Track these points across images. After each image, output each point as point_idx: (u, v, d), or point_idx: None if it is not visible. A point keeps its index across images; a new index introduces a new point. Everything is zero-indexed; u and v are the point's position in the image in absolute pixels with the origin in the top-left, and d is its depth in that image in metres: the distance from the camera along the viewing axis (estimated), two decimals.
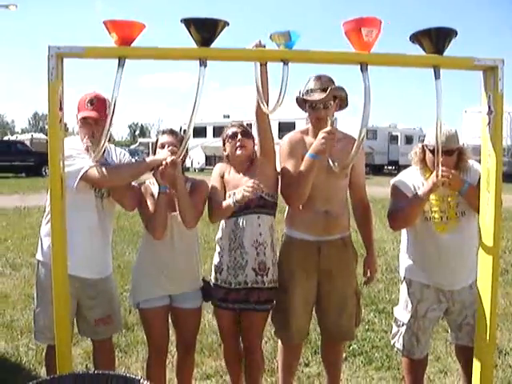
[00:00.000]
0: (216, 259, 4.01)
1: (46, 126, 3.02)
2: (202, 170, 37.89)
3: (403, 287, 4.14)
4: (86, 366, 4.94)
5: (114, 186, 3.71)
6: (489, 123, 3.04)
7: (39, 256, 3.85)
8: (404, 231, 4.16)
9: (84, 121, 3.66)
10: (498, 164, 3.02)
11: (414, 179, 3.98)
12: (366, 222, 4.20)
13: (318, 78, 3.82)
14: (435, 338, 5.66)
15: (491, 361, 3.21)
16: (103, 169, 3.55)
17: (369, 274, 4.21)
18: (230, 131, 3.96)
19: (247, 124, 4.06)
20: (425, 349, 4.09)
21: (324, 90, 3.74)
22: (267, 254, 3.90)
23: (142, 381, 2.74)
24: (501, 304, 6.78)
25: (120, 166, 3.76)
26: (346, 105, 3.95)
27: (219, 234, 4.01)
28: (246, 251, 3.83)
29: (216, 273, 3.98)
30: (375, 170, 37.34)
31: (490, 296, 3.11)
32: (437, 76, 2.94)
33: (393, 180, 4.10)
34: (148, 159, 3.74)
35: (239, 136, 3.90)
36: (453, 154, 3.79)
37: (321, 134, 3.60)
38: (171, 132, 3.90)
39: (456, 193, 3.82)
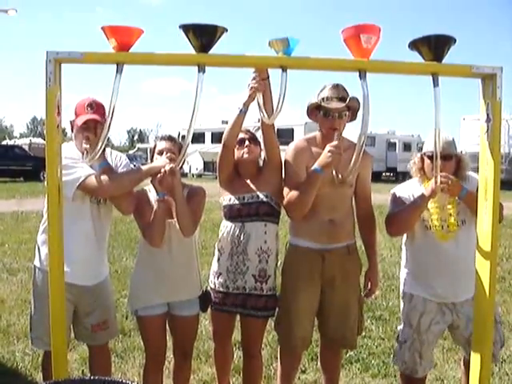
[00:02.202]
0: (215, 263, 4.02)
1: (45, 131, 3.01)
2: (200, 175, 37.92)
3: (405, 303, 4.07)
4: (83, 371, 4.92)
5: (111, 194, 3.69)
6: (487, 131, 3.04)
7: (37, 262, 3.84)
8: (404, 244, 4.15)
9: (85, 125, 3.62)
10: (495, 172, 3.02)
11: (413, 189, 3.97)
12: (369, 232, 4.16)
13: (336, 86, 3.73)
14: None
15: (488, 369, 3.20)
16: (101, 178, 3.55)
17: (369, 287, 4.15)
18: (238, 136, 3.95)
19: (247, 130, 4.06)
20: (427, 366, 4.01)
21: (341, 99, 3.67)
22: (270, 262, 3.91)
23: None
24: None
25: (118, 174, 3.73)
26: (356, 117, 3.88)
27: (220, 236, 3.99)
28: (248, 258, 3.84)
29: (214, 277, 3.98)
30: (373, 176, 37.10)
31: (487, 304, 3.11)
32: (435, 83, 2.94)
33: (393, 190, 4.09)
34: (146, 166, 3.72)
35: (247, 142, 3.93)
36: (450, 160, 3.80)
37: (327, 148, 3.57)
38: (169, 138, 3.87)
39: (456, 201, 3.82)
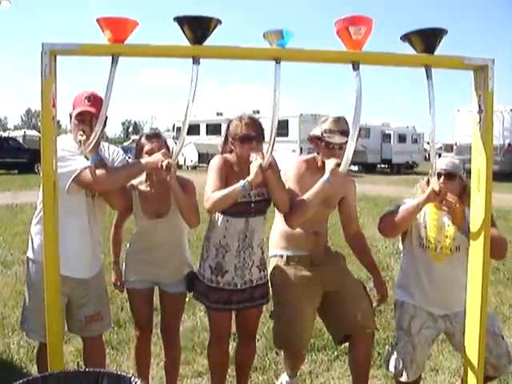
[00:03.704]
0: (215, 260, 3.85)
1: (39, 123, 3.02)
2: (194, 167, 37.86)
3: (397, 309, 4.12)
4: (78, 363, 4.93)
5: (107, 188, 3.71)
6: (479, 122, 3.06)
7: (30, 254, 3.83)
8: (401, 256, 4.20)
9: (80, 117, 3.63)
10: (488, 162, 3.04)
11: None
12: (365, 251, 4.36)
13: (337, 119, 3.90)
14: None
15: (481, 366, 3.22)
16: (96, 171, 3.55)
17: (379, 297, 4.27)
18: (243, 131, 3.71)
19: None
20: (418, 370, 3.99)
21: (342, 133, 3.81)
22: (265, 251, 3.99)
23: (133, 378, 2.74)
24: (492, 303, 6.81)
25: (114, 168, 3.74)
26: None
27: (220, 234, 3.84)
28: (254, 252, 3.85)
29: (217, 276, 3.83)
30: (368, 168, 37.46)
31: (480, 295, 3.13)
32: (428, 75, 2.97)
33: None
34: (142, 161, 3.75)
35: (254, 143, 3.68)
36: (454, 179, 3.82)
37: (329, 161, 3.70)
38: (155, 136, 3.94)
39: (455, 226, 3.83)
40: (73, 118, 3.69)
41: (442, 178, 3.77)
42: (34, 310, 3.71)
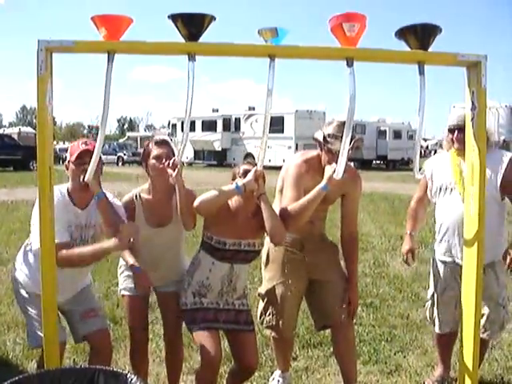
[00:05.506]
0: (197, 288, 3.85)
1: (34, 120, 3.02)
2: (190, 164, 37.87)
3: (431, 267, 4.62)
4: (74, 360, 4.94)
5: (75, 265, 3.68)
6: (472, 119, 3.09)
7: (19, 275, 3.85)
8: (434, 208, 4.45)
9: (80, 159, 3.61)
10: (481, 158, 3.07)
11: (439, 163, 4.37)
12: (351, 253, 4.32)
13: (341, 124, 3.75)
14: (422, 332, 5.72)
15: (476, 359, 3.24)
16: (64, 252, 3.47)
17: (350, 306, 4.19)
18: (242, 168, 3.79)
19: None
20: (447, 325, 4.47)
21: None
22: (246, 289, 4.11)
23: (129, 375, 2.75)
24: None
25: (83, 251, 3.63)
26: (359, 149, 4.34)
27: (204, 274, 3.82)
28: (236, 294, 3.88)
29: (200, 298, 3.84)
30: (364, 164, 37.53)
31: (474, 285, 3.17)
32: (421, 71, 2.99)
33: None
34: (110, 243, 3.56)
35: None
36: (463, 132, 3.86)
37: (329, 167, 3.72)
38: (164, 142, 3.99)
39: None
40: (71, 164, 3.69)
41: (456, 132, 3.93)
42: (35, 322, 3.76)
